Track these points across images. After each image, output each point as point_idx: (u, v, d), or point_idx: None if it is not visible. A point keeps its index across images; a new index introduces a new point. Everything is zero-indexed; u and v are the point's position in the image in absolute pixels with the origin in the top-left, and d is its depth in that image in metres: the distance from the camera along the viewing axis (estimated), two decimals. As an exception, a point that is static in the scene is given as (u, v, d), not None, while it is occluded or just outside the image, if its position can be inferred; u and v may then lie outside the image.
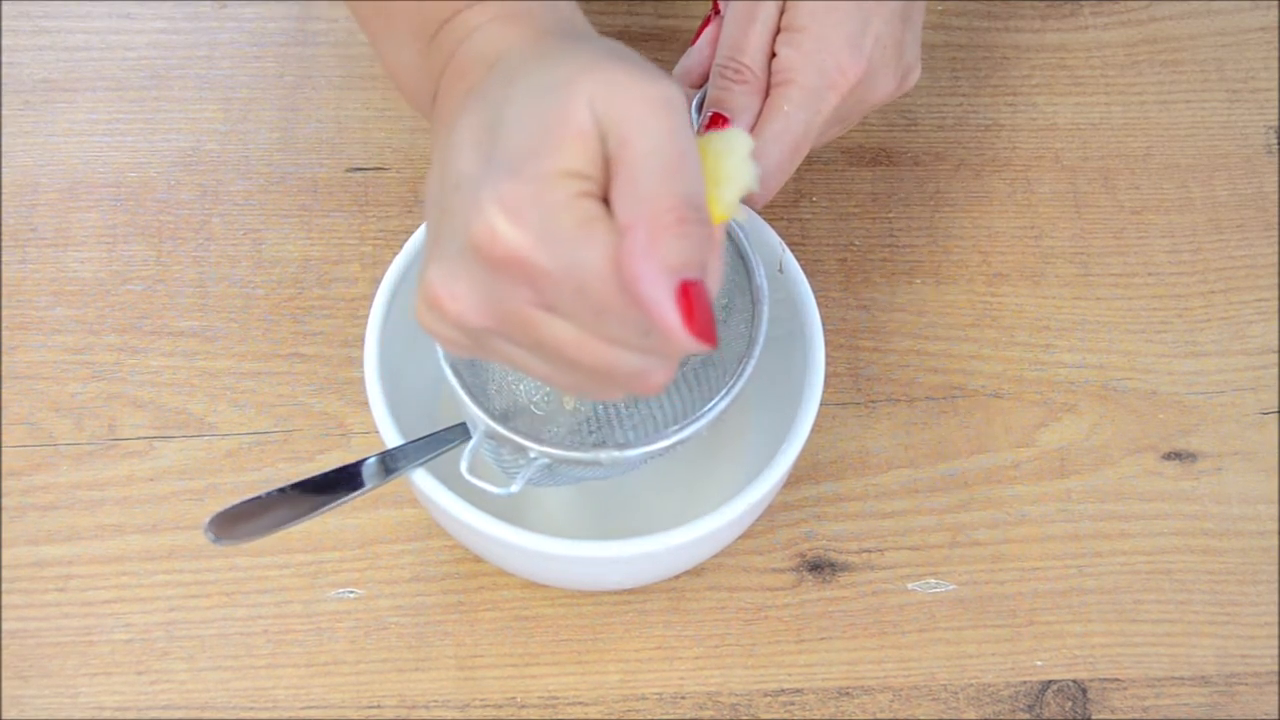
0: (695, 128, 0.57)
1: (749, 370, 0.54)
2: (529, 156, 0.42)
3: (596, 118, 0.42)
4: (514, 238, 0.41)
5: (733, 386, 0.54)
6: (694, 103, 0.59)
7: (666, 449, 0.54)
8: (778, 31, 0.57)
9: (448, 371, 0.54)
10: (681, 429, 0.53)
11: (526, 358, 0.46)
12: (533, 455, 0.53)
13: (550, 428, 0.58)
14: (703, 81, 0.59)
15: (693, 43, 0.60)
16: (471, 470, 0.53)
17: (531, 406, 0.59)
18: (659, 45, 0.76)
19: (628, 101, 0.42)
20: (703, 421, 0.54)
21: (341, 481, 0.54)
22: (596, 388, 0.46)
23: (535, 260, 0.42)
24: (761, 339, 0.55)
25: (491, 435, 0.53)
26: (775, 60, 0.57)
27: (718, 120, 0.56)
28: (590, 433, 0.58)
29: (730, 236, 0.56)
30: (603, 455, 0.53)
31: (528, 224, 0.41)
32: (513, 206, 0.41)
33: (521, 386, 0.59)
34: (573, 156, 0.42)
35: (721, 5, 0.60)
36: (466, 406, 0.53)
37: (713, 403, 0.54)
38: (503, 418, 0.53)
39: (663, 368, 0.45)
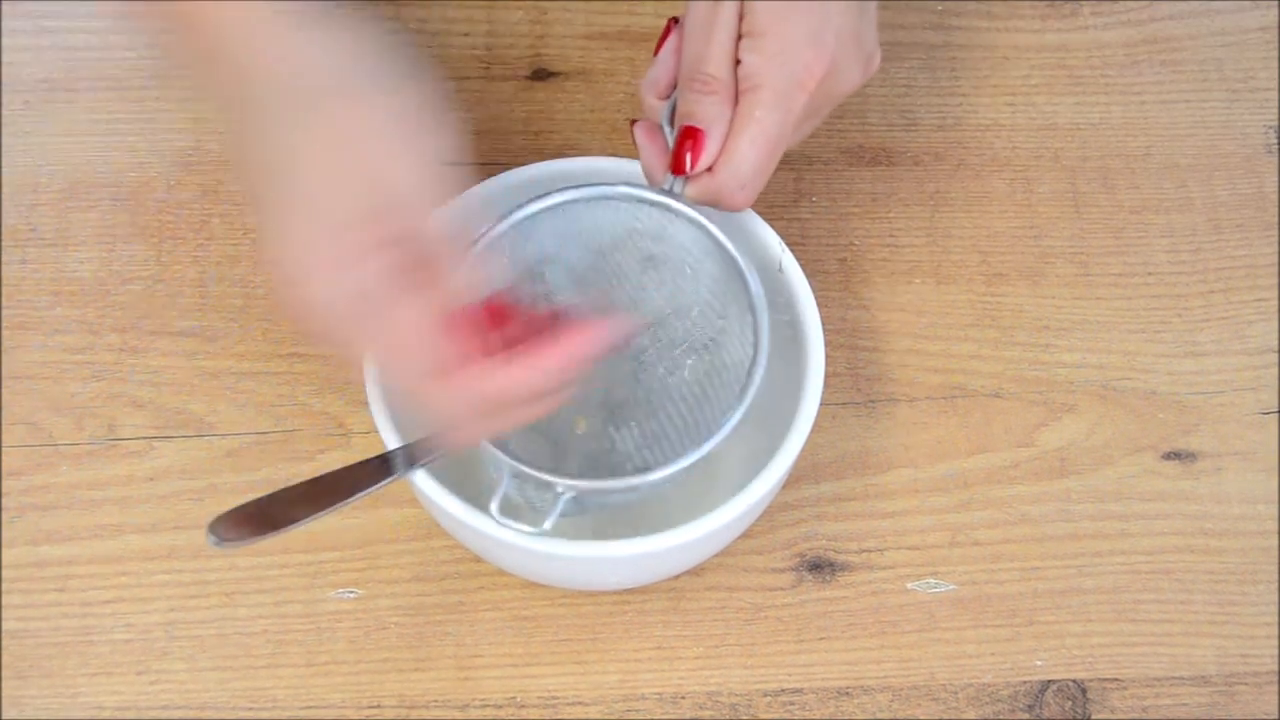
0: (669, 140, 0.58)
1: (757, 379, 0.55)
2: None
3: None
4: None
5: (743, 398, 0.55)
6: (664, 113, 0.59)
7: (687, 469, 0.55)
8: (739, 36, 0.57)
9: None
10: (697, 449, 0.54)
11: None
12: (559, 490, 0.54)
13: (571, 459, 0.59)
14: (669, 91, 0.59)
15: (655, 54, 0.60)
16: (503, 511, 0.54)
17: (547, 438, 0.60)
18: (659, 45, 0.76)
19: None
20: (716, 439, 0.55)
21: (341, 482, 0.54)
22: None
23: None
24: (765, 348, 0.55)
25: (517, 475, 0.54)
26: (741, 67, 0.56)
27: (691, 132, 0.56)
28: (607, 453, 0.59)
29: (722, 247, 0.56)
30: (626, 482, 0.54)
31: None
32: None
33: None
34: None
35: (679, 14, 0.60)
36: (490, 452, 0.54)
37: (726, 419, 0.55)
38: (525, 456, 0.54)
39: None
